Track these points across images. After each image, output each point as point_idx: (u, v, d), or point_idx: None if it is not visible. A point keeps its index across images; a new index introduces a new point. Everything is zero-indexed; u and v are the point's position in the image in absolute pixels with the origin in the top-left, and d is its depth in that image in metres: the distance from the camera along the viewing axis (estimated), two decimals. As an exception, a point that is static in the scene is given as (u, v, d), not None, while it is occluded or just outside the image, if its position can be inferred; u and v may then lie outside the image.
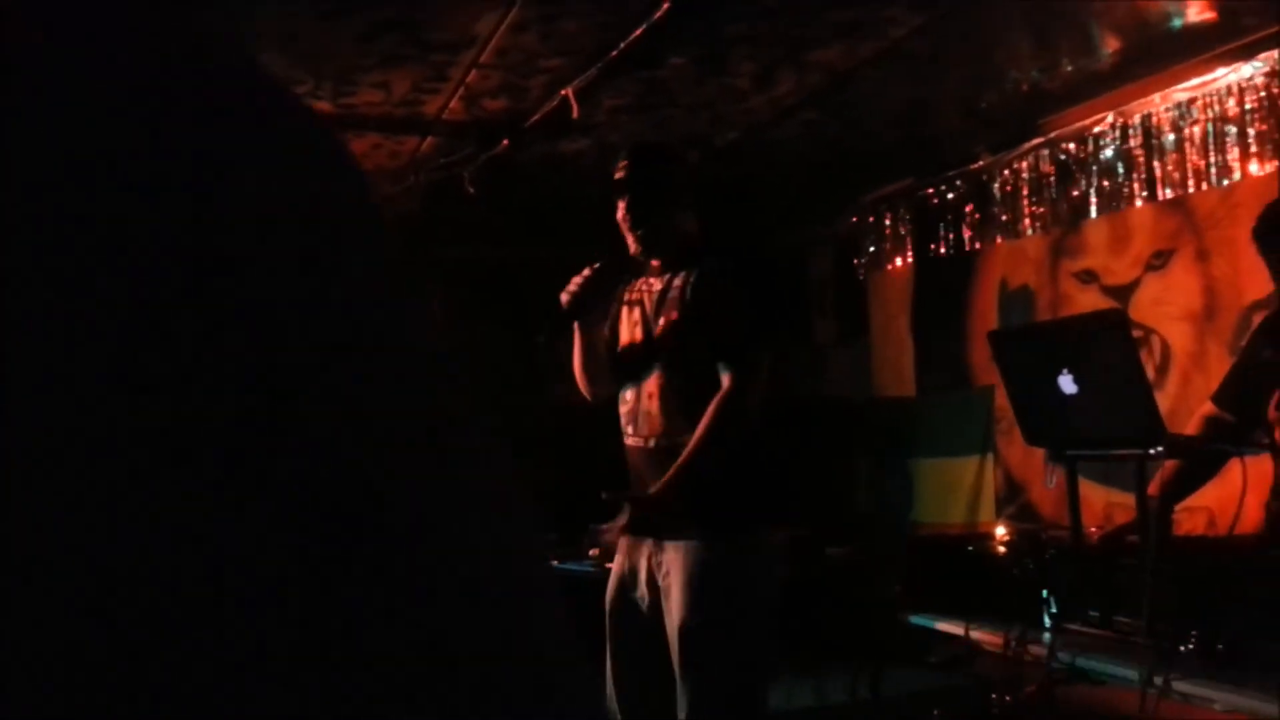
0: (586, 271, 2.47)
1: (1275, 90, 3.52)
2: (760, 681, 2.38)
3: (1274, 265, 2.39)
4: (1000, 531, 2.74)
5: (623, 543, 2.51)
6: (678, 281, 2.41)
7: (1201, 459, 2.43)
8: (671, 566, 2.35)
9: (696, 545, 2.31)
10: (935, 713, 2.85)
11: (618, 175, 2.48)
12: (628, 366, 2.50)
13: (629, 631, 2.44)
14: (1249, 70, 3.59)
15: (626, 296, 2.56)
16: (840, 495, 5.76)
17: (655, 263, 2.49)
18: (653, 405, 2.42)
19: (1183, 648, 1.99)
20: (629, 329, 2.52)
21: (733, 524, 2.34)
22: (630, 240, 2.45)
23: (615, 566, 2.53)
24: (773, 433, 2.48)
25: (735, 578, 2.31)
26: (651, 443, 2.42)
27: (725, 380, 2.32)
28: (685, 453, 2.30)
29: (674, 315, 2.39)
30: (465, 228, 5.86)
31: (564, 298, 2.47)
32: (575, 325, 2.52)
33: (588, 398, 2.64)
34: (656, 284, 2.48)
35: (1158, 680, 1.93)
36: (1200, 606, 2.00)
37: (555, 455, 5.71)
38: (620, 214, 2.45)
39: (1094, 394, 2.17)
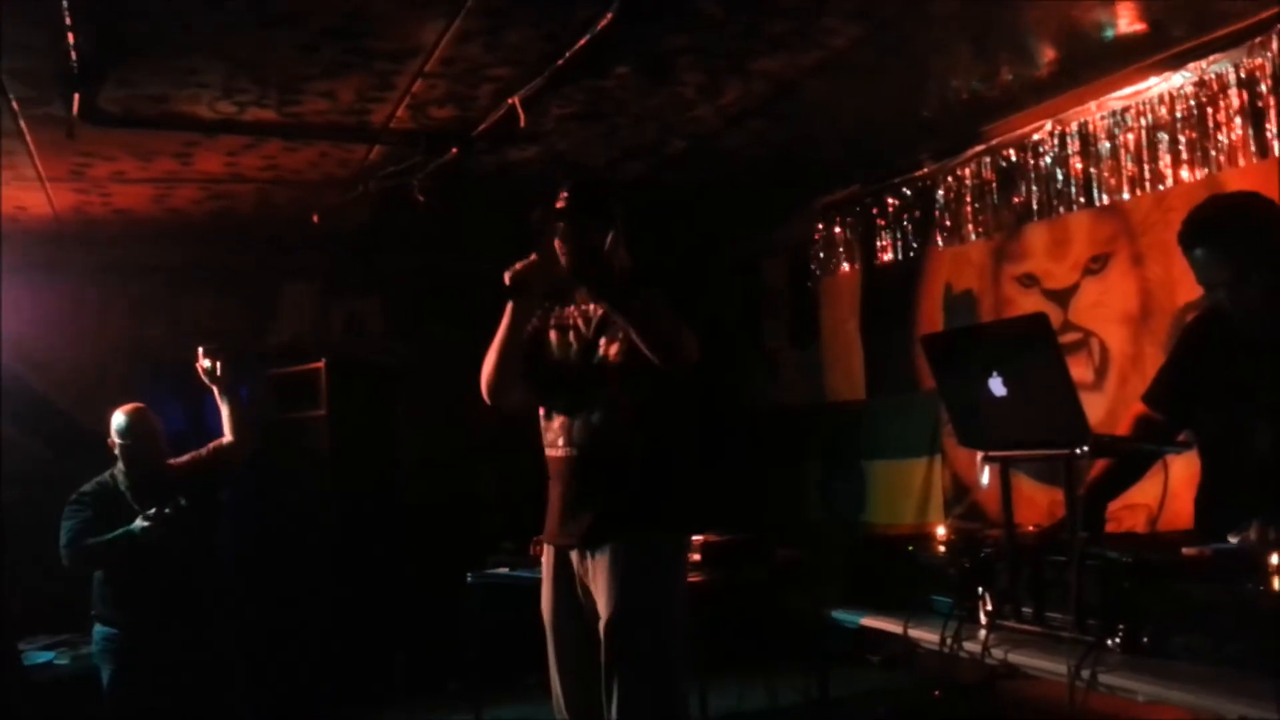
0: (533, 257, 2.58)
1: (1203, 99, 3.62)
2: (679, 671, 2.54)
3: (1198, 270, 2.46)
4: (940, 531, 2.78)
5: (548, 555, 2.64)
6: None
7: (1130, 458, 2.49)
8: (598, 570, 2.53)
9: (619, 548, 2.49)
10: (880, 710, 2.91)
11: (558, 205, 2.61)
12: (562, 386, 2.65)
13: (568, 636, 2.57)
14: (1179, 80, 3.69)
15: (554, 321, 2.72)
16: (791, 499, 5.82)
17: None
18: (596, 419, 2.56)
19: (1110, 642, 2.05)
20: (561, 350, 2.69)
21: (652, 530, 2.53)
22: (566, 264, 2.56)
23: (545, 579, 2.65)
24: (717, 440, 2.62)
25: (654, 576, 2.50)
26: (586, 451, 2.56)
27: None
28: (620, 291, 2.48)
29: (617, 336, 2.55)
30: (415, 236, 5.85)
31: (508, 276, 2.58)
32: (505, 323, 2.62)
33: (488, 396, 2.71)
34: (590, 310, 2.64)
35: (1085, 674, 1.98)
36: (1126, 602, 2.06)
37: (504, 467, 5.71)
38: (559, 240, 2.57)
39: (1022, 396, 2.22)
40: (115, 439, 3.77)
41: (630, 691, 2.44)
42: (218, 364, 3.71)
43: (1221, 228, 2.37)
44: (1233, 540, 2.06)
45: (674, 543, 2.60)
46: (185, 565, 3.73)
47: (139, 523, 3.60)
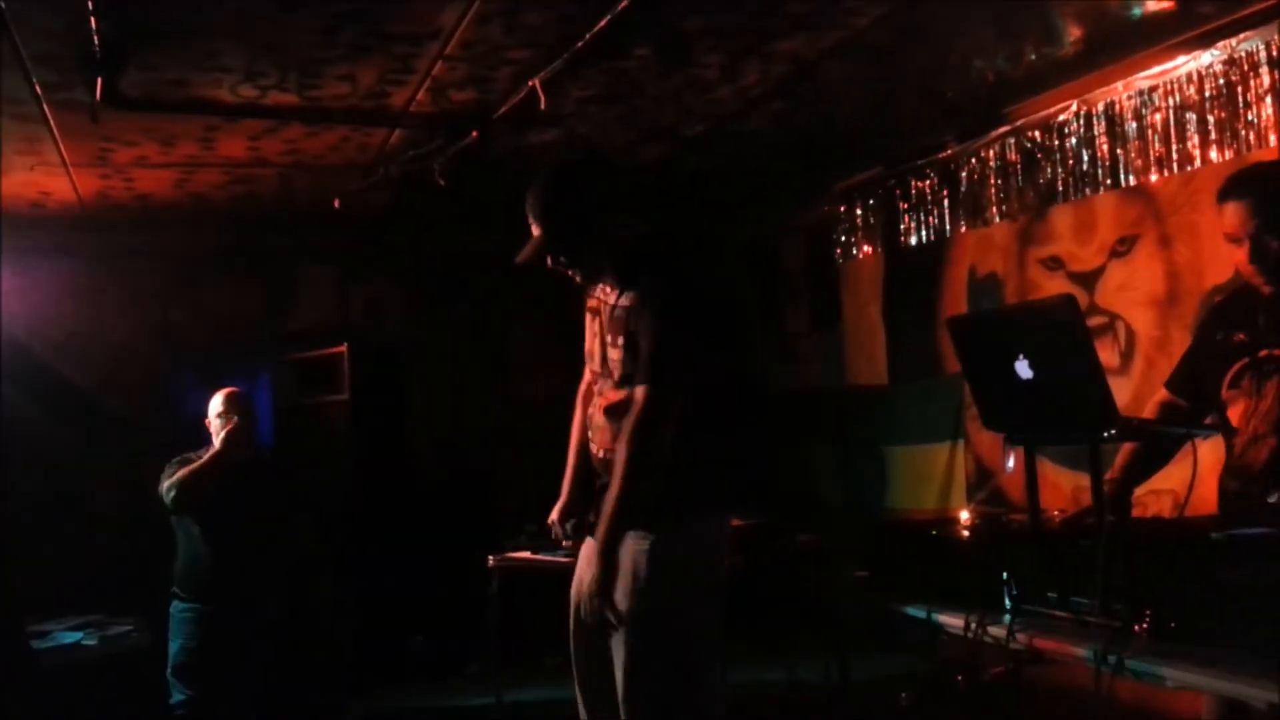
0: None
1: (1233, 78, 3.56)
2: (697, 665, 2.43)
3: (1228, 221, 2.46)
4: (964, 516, 2.77)
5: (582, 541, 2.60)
6: (624, 301, 2.44)
7: (1157, 442, 2.47)
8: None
9: (633, 537, 2.39)
10: (902, 695, 2.90)
11: (531, 224, 2.48)
12: (593, 372, 2.59)
13: (581, 623, 2.52)
14: (1208, 58, 3.63)
15: (589, 302, 2.61)
16: (812, 483, 5.80)
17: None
18: (600, 419, 2.50)
19: (1137, 627, 2.03)
20: (590, 336, 2.59)
21: (665, 517, 2.39)
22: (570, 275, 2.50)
23: (578, 565, 2.60)
24: (728, 425, 2.52)
25: (669, 566, 2.38)
26: (601, 453, 2.51)
27: (638, 395, 2.35)
28: (613, 485, 2.35)
29: (619, 339, 2.43)
30: (435, 220, 5.85)
31: None
32: None
33: None
34: (610, 294, 2.50)
35: (1111, 659, 1.96)
36: (1153, 586, 2.04)
37: (523, 448, 5.73)
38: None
39: (1049, 379, 2.20)
40: (213, 418, 3.91)
41: (636, 684, 2.39)
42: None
43: (1252, 181, 2.50)
44: (1272, 500, 2.04)
45: (678, 531, 2.43)
46: (260, 548, 3.90)
47: (220, 437, 3.81)
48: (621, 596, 2.39)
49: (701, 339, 2.40)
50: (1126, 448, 2.52)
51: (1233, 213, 2.44)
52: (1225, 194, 2.49)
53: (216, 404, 3.94)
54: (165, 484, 3.83)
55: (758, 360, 6.28)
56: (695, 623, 2.42)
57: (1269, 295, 2.42)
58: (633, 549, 2.40)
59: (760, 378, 6.23)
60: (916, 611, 2.57)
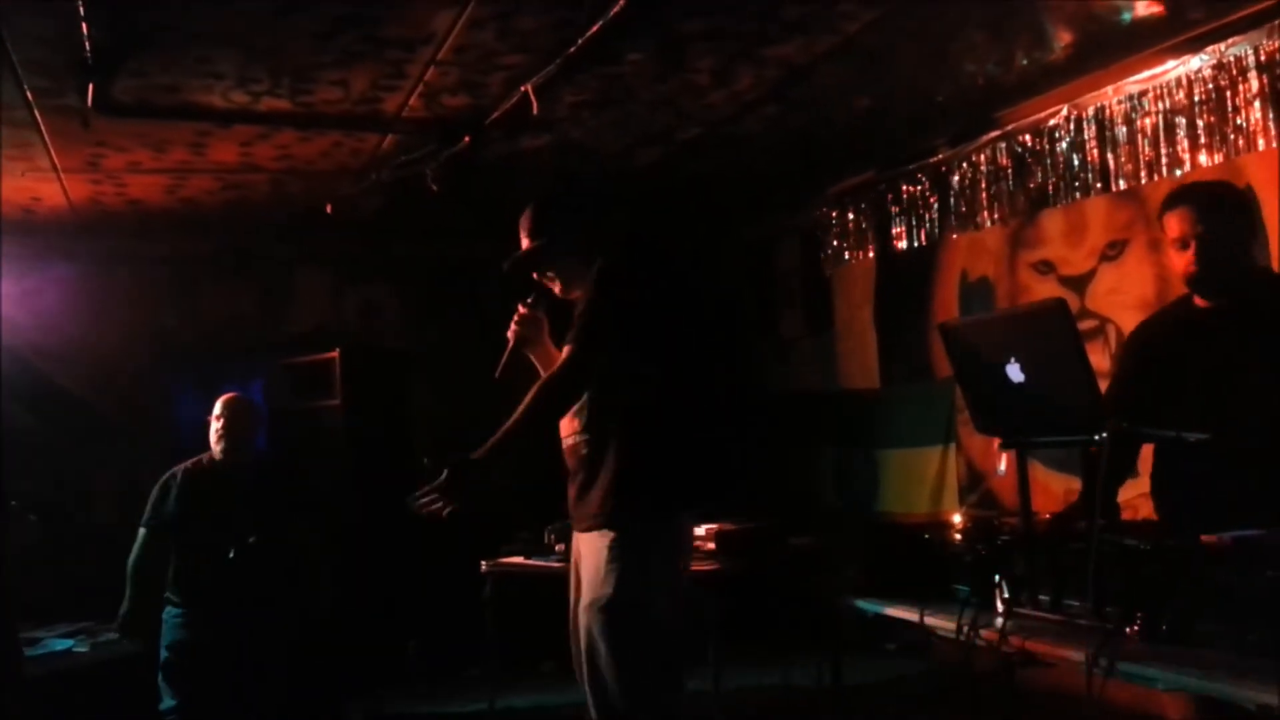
0: (522, 310, 2.78)
1: (1222, 83, 3.58)
2: (654, 659, 2.52)
3: (1172, 228, 2.53)
4: (956, 519, 2.78)
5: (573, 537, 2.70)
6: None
7: (1123, 445, 2.47)
8: (580, 555, 2.64)
9: (593, 536, 2.56)
10: (896, 698, 2.90)
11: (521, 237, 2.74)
12: None
13: (572, 617, 2.66)
14: (1197, 63, 3.65)
15: None
16: (805, 486, 5.81)
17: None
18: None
19: (1128, 629, 2.03)
20: None
21: (624, 514, 2.53)
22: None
23: (571, 569, 2.72)
24: (691, 426, 2.63)
25: (627, 561, 2.50)
26: (566, 441, 2.70)
27: (562, 355, 2.55)
28: (511, 419, 2.53)
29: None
30: (428, 226, 5.85)
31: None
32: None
33: None
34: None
35: (1103, 661, 1.97)
36: (1145, 588, 2.04)
37: (521, 453, 5.72)
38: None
39: (1040, 382, 2.21)
40: (211, 420, 3.95)
41: (595, 680, 2.51)
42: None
43: (1194, 191, 2.63)
44: None
45: (637, 531, 2.54)
46: (257, 552, 3.91)
47: (115, 628, 3.95)
48: (585, 588, 2.54)
49: (628, 313, 2.55)
50: (1096, 451, 2.54)
51: (1178, 218, 2.52)
52: (1168, 204, 2.57)
53: (215, 409, 3.96)
54: (134, 548, 3.92)
55: (742, 363, 6.28)
56: (653, 617, 2.51)
57: (1207, 300, 2.53)
58: (594, 544, 2.54)
59: (748, 380, 6.24)
60: (910, 614, 2.57)
